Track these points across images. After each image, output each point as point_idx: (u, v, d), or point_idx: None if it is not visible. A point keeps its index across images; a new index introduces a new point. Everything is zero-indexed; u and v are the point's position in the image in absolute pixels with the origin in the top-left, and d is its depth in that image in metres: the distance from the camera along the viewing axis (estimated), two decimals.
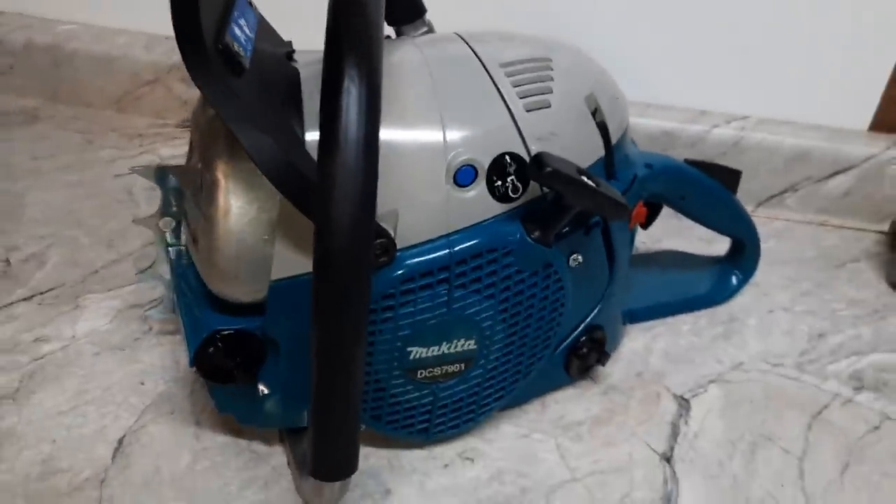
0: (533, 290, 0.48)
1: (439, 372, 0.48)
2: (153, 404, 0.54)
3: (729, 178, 0.65)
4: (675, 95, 0.84)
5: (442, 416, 0.50)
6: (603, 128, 0.51)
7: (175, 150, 0.85)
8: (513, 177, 0.45)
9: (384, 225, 0.42)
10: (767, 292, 0.72)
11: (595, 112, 0.51)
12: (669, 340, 0.65)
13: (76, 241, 0.69)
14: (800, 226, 0.84)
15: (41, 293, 0.63)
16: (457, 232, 0.44)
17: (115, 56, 0.88)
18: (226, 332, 0.44)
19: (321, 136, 0.35)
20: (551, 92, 0.48)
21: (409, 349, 0.46)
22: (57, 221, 0.71)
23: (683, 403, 0.58)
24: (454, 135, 0.43)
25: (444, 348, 0.47)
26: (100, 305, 0.62)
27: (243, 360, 0.45)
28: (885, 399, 0.61)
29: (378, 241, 0.41)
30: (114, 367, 0.56)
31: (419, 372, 0.47)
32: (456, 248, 0.44)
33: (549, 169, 0.42)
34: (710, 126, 0.82)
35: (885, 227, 0.82)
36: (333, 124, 0.34)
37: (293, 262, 0.42)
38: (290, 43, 0.49)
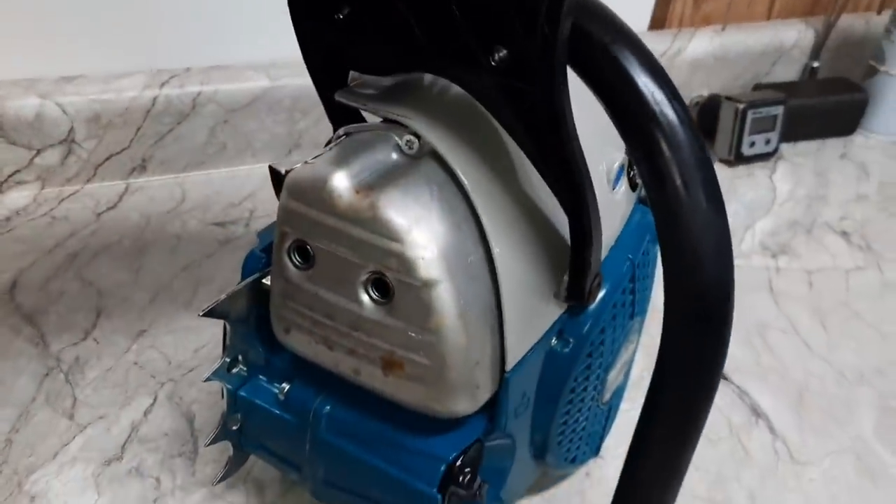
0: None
1: (615, 385, 0.45)
2: None
3: None
4: None
5: (610, 425, 0.48)
6: None
7: None
8: None
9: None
10: None
11: None
12: None
13: None
14: None
15: None
16: (619, 237, 0.41)
17: None
18: (461, 455, 0.35)
19: (660, 193, 0.29)
20: None
21: (608, 375, 0.42)
22: None
23: None
24: (601, 139, 0.39)
25: (625, 358, 0.44)
26: (63, 481, 0.45)
27: (478, 473, 0.37)
28: (795, 258, 0.72)
29: (596, 277, 0.36)
30: None
31: (607, 394, 0.44)
32: (632, 256, 0.41)
33: None
34: None
35: None
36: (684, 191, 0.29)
37: (521, 341, 0.35)
38: None
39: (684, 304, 0.31)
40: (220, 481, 0.42)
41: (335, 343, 0.35)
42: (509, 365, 0.35)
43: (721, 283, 0.30)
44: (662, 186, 0.29)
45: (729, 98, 0.84)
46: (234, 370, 0.40)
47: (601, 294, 0.39)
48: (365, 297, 0.33)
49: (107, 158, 0.71)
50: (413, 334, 0.33)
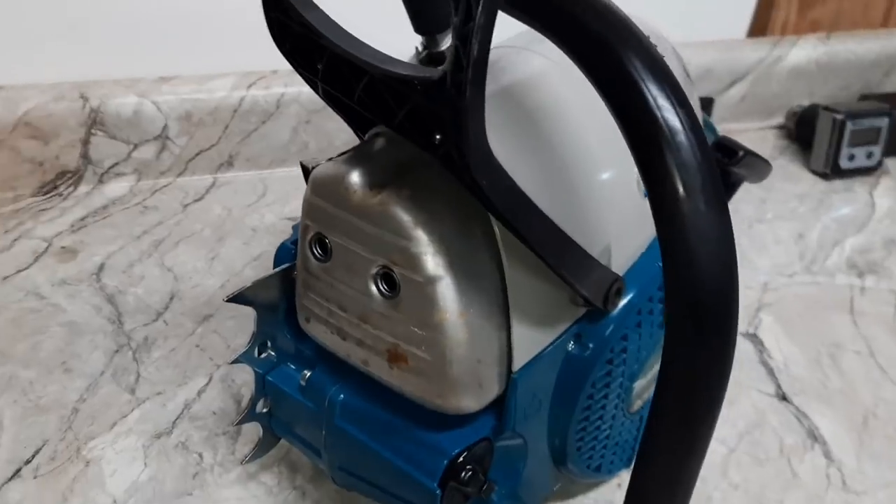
0: None
1: (647, 395, 0.44)
2: None
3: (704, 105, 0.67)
4: None
5: None
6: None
7: (55, 228, 0.69)
8: None
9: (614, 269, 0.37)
10: (735, 209, 0.75)
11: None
12: None
13: (17, 378, 0.54)
14: None
15: (27, 462, 0.48)
16: (651, 243, 0.40)
17: None
18: (465, 451, 0.36)
19: (660, 196, 0.29)
20: None
21: (634, 385, 0.41)
22: None
23: (755, 339, 0.60)
24: None
25: (656, 368, 0.43)
26: (117, 450, 0.49)
27: (484, 471, 0.37)
28: (885, 278, 0.67)
29: (615, 283, 0.36)
30: None
31: (636, 404, 0.43)
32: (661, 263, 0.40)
33: (742, 153, 0.40)
34: None
35: (777, 121, 0.90)
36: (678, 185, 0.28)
37: (530, 343, 0.35)
38: None
39: (680, 313, 0.30)
40: (249, 461, 0.44)
41: (347, 334, 0.37)
42: (516, 365, 0.35)
43: (720, 291, 0.29)
44: (660, 188, 0.28)
45: (827, 108, 0.80)
46: (263, 355, 0.42)
47: (625, 300, 0.38)
48: (374, 290, 0.34)
49: (197, 154, 0.76)
50: (416, 329, 0.33)
